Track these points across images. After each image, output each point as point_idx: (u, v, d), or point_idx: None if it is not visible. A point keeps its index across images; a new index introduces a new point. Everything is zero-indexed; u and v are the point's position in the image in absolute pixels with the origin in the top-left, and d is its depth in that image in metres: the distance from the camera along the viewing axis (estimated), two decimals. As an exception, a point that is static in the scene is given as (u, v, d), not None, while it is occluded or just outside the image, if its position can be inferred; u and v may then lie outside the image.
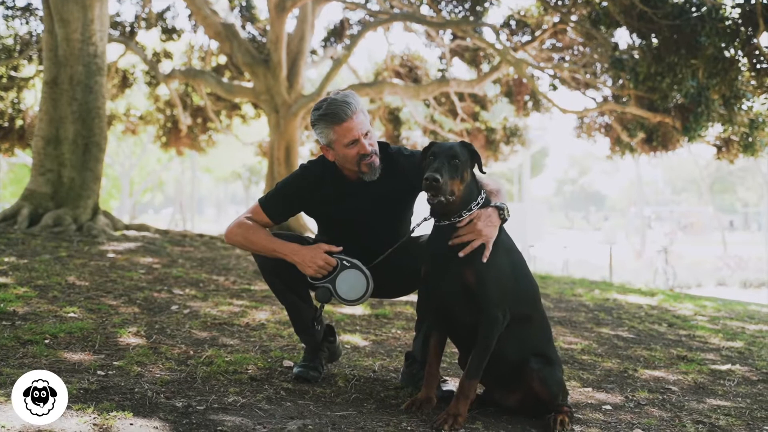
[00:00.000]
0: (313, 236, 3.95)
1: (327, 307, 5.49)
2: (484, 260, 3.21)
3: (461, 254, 3.23)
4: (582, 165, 67.25)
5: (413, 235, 3.70)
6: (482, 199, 3.32)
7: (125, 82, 17.21)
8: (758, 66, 9.72)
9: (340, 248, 3.58)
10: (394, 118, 18.15)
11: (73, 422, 2.82)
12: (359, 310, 5.77)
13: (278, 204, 3.69)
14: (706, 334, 5.99)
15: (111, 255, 7.12)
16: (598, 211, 67.94)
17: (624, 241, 39.99)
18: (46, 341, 3.95)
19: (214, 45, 16.99)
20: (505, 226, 3.36)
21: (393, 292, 3.90)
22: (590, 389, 4.03)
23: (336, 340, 4.02)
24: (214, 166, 41.86)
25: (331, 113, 3.49)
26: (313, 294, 3.66)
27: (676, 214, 49.88)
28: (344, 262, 3.53)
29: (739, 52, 9.67)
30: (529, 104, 16.43)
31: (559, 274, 17.38)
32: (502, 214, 3.31)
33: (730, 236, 41.55)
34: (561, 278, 10.80)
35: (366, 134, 3.52)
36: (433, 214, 3.37)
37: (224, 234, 3.73)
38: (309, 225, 13.80)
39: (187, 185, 38.38)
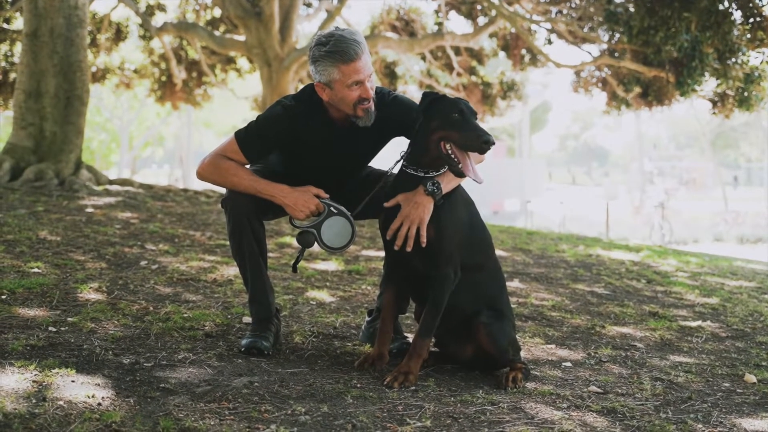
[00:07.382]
0: None
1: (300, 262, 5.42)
2: (423, 241, 3.20)
3: (396, 247, 3.24)
4: (585, 120, 66.78)
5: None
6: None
7: (119, 35, 16.99)
8: (752, 19, 9.55)
9: (328, 195, 3.46)
10: (390, 73, 17.95)
11: (12, 379, 2.79)
12: (332, 265, 5.72)
13: (257, 145, 3.44)
14: (683, 290, 5.94)
15: (89, 210, 7.06)
16: (600, 166, 67.67)
17: (625, 196, 39.92)
18: (3, 296, 3.90)
19: (207, -2, 16.78)
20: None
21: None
22: (553, 346, 4.00)
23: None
24: (213, 120, 41.64)
25: (340, 51, 3.25)
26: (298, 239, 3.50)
27: (678, 169, 49.64)
28: (332, 208, 3.43)
29: (733, 5, 9.50)
30: (526, 58, 16.24)
31: (556, 230, 17.34)
32: (435, 197, 3.23)
33: (732, 192, 41.43)
34: (548, 234, 10.74)
35: (369, 77, 3.34)
36: (411, 162, 3.30)
37: (197, 170, 3.50)
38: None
39: (186, 140, 38.12)
